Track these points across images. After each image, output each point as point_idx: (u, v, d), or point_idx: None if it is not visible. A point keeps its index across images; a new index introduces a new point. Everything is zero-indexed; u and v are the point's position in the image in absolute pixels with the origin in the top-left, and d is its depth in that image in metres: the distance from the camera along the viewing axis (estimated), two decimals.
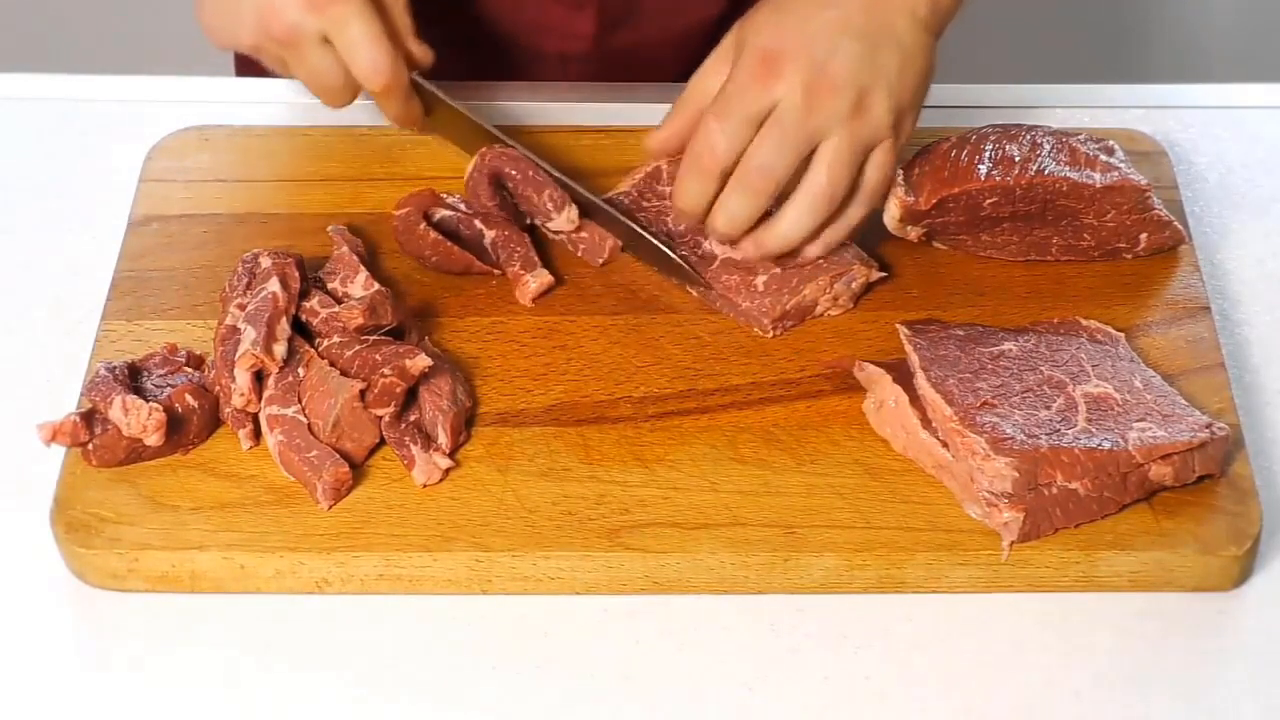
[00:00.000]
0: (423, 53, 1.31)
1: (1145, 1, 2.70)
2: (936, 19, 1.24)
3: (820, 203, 1.21)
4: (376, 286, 1.22)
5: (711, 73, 1.25)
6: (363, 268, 1.23)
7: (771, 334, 1.24)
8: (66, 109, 1.43)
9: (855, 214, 1.24)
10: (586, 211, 1.29)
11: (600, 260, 1.28)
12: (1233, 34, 2.68)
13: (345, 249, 1.25)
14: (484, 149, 1.29)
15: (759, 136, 1.20)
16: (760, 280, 1.25)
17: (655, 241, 1.26)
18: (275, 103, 1.41)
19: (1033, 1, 2.65)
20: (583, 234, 1.28)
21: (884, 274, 1.26)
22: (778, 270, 1.25)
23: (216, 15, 1.28)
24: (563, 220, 1.27)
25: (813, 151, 1.20)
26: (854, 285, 1.25)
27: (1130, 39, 2.70)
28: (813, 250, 1.24)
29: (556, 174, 1.29)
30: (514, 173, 1.29)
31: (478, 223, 1.27)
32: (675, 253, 1.26)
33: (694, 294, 1.26)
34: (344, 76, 1.27)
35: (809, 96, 1.19)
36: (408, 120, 1.32)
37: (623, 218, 1.28)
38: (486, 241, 1.27)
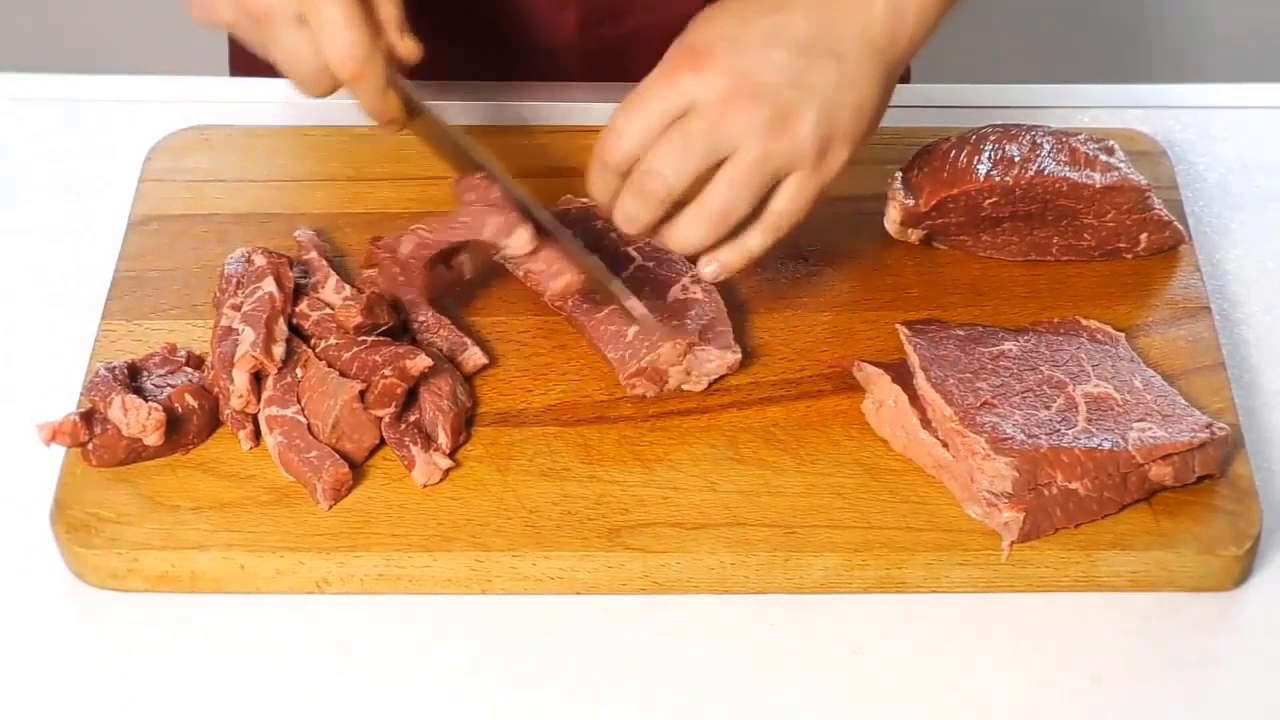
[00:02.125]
0: (409, 48, 1.21)
1: (1145, 1, 2.70)
2: (894, 47, 1.14)
3: (713, 217, 1.13)
4: (348, 290, 1.21)
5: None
6: (333, 272, 1.23)
7: (633, 390, 1.19)
8: (66, 109, 1.43)
9: (755, 242, 1.16)
10: (547, 234, 1.19)
11: (554, 292, 1.19)
12: (1233, 34, 2.69)
13: (314, 253, 1.24)
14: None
15: (661, 140, 1.13)
16: (631, 331, 1.20)
17: (616, 285, 1.16)
18: (275, 103, 1.40)
19: (1033, 1, 2.65)
20: (539, 263, 1.19)
21: (738, 356, 1.20)
22: (648, 324, 1.19)
23: None
24: (516, 243, 1.18)
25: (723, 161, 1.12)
26: (709, 367, 1.20)
27: (1130, 39, 2.70)
28: (706, 270, 1.17)
29: (520, 196, 1.20)
30: (473, 196, 1.19)
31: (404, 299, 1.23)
32: (637, 301, 1.17)
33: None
34: (318, 61, 1.18)
35: (724, 103, 1.11)
36: (383, 115, 1.22)
37: (589, 254, 1.19)
38: (413, 326, 1.21)
